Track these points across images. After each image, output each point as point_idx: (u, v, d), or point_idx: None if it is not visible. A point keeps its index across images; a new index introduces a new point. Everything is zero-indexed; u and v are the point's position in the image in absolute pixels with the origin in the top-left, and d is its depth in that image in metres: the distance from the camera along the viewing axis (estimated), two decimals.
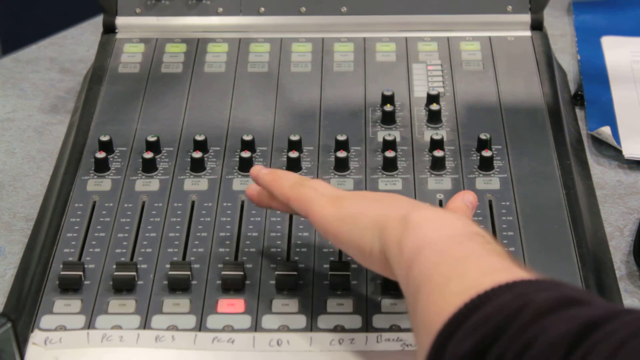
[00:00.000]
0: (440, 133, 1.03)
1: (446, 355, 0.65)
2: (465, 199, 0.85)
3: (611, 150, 1.08)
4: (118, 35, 1.19)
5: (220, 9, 1.19)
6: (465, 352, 0.64)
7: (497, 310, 0.65)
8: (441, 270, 0.70)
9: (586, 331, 0.61)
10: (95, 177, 1.00)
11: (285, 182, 0.85)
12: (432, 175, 0.99)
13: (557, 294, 0.65)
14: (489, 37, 1.17)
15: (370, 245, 0.78)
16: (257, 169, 0.88)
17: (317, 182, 0.85)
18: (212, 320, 0.85)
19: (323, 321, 0.85)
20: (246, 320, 0.85)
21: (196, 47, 1.17)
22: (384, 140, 1.01)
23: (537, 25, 1.18)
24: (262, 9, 1.18)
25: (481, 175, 0.99)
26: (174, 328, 0.85)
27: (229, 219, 0.95)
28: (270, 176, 0.87)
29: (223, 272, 0.88)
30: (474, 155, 1.01)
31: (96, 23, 1.29)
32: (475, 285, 0.67)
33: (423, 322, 0.69)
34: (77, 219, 0.95)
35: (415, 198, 0.96)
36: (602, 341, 0.60)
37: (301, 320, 0.85)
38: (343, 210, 0.80)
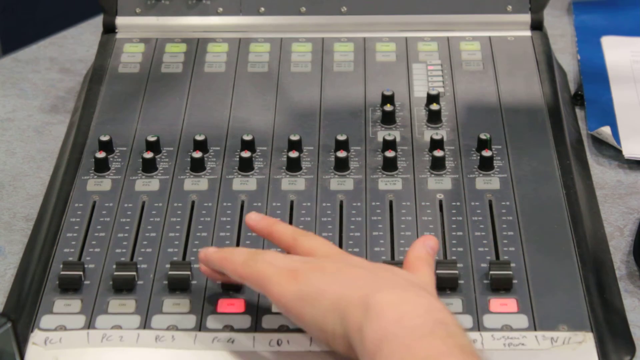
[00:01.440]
0: (440, 133, 1.03)
1: None
2: (427, 244, 0.83)
3: (611, 150, 1.08)
4: (118, 35, 1.19)
5: (220, 9, 1.19)
6: None
7: None
8: None
9: None
10: (95, 177, 1.00)
11: (236, 259, 0.82)
12: (432, 175, 0.99)
13: None
14: (489, 37, 1.17)
15: (332, 329, 0.76)
16: (204, 251, 0.85)
17: (269, 254, 0.81)
18: (212, 320, 0.85)
19: None
20: (246, 320, 0.85)
21: (196, 47, 1.17)
22: (384, 140, 1.01)
23: (537, 25, 1.18)
24: (262, 9, 1.18)
25: (481, 175, 0.99)
26: (174, 328, 0.85)
27: (228, 219, 0.95)
28: (219, 255, 0.84)
29: None
30: (474, 155, 1.01)
31: (96, 23, 1.29)
32: None
33: None
34: (77, 219, 0.95)
35: (415, 198, 0.96)
36: None
37: None
38: (302, 288, 0.78)
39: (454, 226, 0.93)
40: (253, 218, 0.87)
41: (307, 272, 0.78)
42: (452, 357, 0.70)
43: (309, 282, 0.78)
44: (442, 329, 0.72)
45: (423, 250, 0.83)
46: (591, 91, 1.16)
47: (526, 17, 1.18)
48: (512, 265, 0.89)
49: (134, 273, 0.88)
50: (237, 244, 0.92)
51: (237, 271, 0.82)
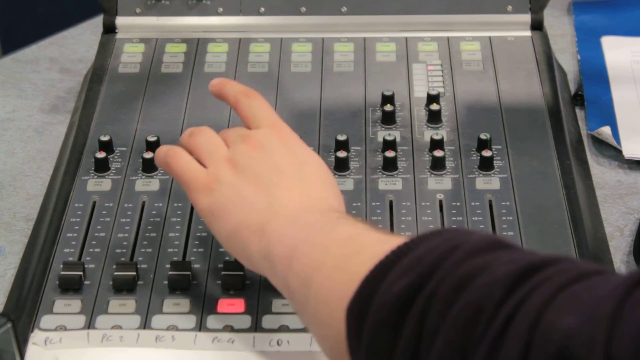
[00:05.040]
0: (440, 133, 1.03)
1: (372, 306, 0.64)
2: None
3: (611, 150, 1.08)
4: (118, 35, 1.19)
5: (220, 9, 1.19)
6: (398, 293, 0.63)
7: (428, 251, 0.65)
8: (333, 253, 0.71)
9: (526, 274, 0.61)
10: (95, 177, 1.00)
11: (158, 153, 0.87)
12: (432, 175, 0.99)
13: (487, 237, 0.65)
14: (489, 37, 1.17)
15: (239, 248, 0.80)
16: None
17: (183, 155, 0.85)
18: (212, 320, 0.85)
19: None
20: (246, 320, 0.85)
21: (196, 47, 1.17)
22: (384, 140, 1.01)
23: (537, 25, 1.18)
24: (262, 9, 1.18)
25: (481, 175, 0.99)
26: (174, 328, 0.85)
27: None
28: (159, 156, 0.88)
29: (223, 272, 0.88)
30: (474, 155, 1.01)
31: (96, 23, 1.29)
32: (379, 253, 0.67)
33: (325, 301, 0.69)
34: (77, 219, 0.95)
35: (415, 198, 0.96)
36: (542, 284, 0.60)
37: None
38: (211, 201, 0.81)
39: (454, 226, 0.93)
40: (212, 84, 0.90)
41: (220, 185, 0.81)
42: (372, 232, 0.72)
43: (219, 196, 0.80)
44: (342, 218, 0.75)
45: None
46: (591, 91, 1.16)
47: (526, 17, 1.18)
48: None
49: (134, 273, 0.88)
50: None
51: (163, 163, 0.86)
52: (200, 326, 0.85)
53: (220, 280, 0.88)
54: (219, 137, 0.85)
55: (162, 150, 0.87)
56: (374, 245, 0.69)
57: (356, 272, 0.67)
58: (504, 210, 0.95)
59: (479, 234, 0.66)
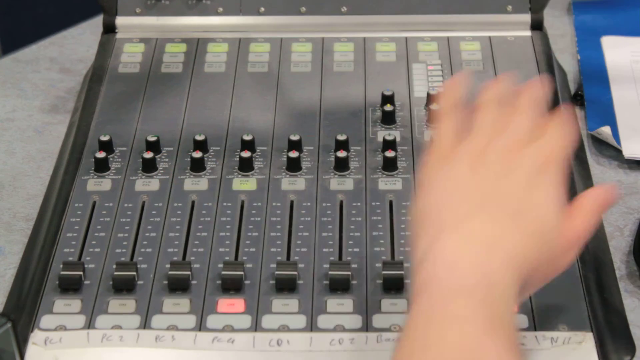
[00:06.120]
0: None
1: None
2: (599, 194, 0.78)
3: (611, 150, 1.08)
4: (118, 35, 1.19)
5: (220, 9, 1.19)
6: None
7: None
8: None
9: None
10: (95, 177, 1.00)
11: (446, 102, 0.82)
12: None
13: None
14: (489, 37, 1.17)
15: (415, 242, 0.76)
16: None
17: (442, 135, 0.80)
18: (212, 320, 0.85)
19: (323, 321, 0.85)
20: (246, 320, 0.85)
21: (196, 47, 1.17)
22: (384, 140, 1.01)
23: (537, 25, 1.18)
24: (262, 9, 1.18)
25: None
26: (174, 328, 0.85)
27: (228, 219, 0.95)
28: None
29: (223, 272, 0.88)
30: None
31: (96, 23, 1.29)
32: None
33: None
34: (77, 219, 0.95)
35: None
36: None
37: (301, 320, 0.85)
38: (430, 175, 0.77)
39: None
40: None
41: (451, 166, 0.77)
42: (476, 326, 0.69)
43: (441, 174, 0.77)
44: (483, 293, 0.70)
45: (591, 201, 0.78)
46: (591, 91, 1.16)
47: (526, 17, 1.18)
48: None
49: (134, 273, 0.88)
50: (237, 244, 0.92)
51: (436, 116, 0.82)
52: (200, 326, 0.85)
53: (220, 280, 0.88)
54: (497, 128, 0.79)
55: (447, 104, 0.82)
56: None
57: None
58: None
59: None
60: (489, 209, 0.75)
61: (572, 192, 0.96)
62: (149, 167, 1.00)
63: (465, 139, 0.79)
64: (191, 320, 0.85)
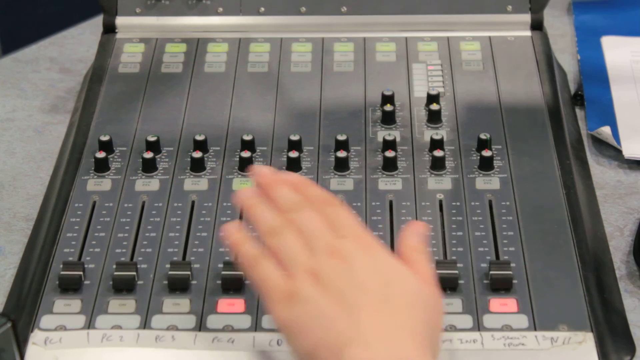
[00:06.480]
0: (440, 133, 1.03)
1: None
2: (417, 232, 0.81)
3: (611, 150, 1.08)
4: (118, 35, 1.19)
5: (220, 9, 1.19)
6: None
7: None
8: None
9: None
10: (95, 177, 1.00)
11: (246, 253, 0.80)
12: (432, 175, 0.99)
13: None
14: (489, 37, 1.17)
15: None
16: (227, 230, 0.82)
17: (268, 265, 0.78)
18: (212, 320, 0.85)
19: None
20: (246, 320, 0.85)
21: (196, 47, 1.17)
22: (384, 140, 1.01)
23: (537, 25, 1.18)
24: (262, 9, 1.18)
25: (481, 175, 0.99)
26: (174, 328, 0.85)
27: (228, 219, 0.95)
28: (232, 240, 0.81)
29: (223, 272, 0.88)
30: (474, 155, 1.01)
31: (96, 23, 1.29)
32: None
33: None
34: (77, 219, 0.95)
35: (415, 198, 0.96)
36: None
37: None
38: (291, 317, 0.75)
39: (454, 226, 0.93)
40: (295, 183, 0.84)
41: (299, 299, 0.76)
42: None
43: (298, 312, 0.75)
44: None
45: (415, 239, 0.81)
46: (591, 91, 1.16)
47: (526, 17, 1.18)
48: (512, 265, 0.89)
49: (134, 273, 0.88)
50: None
51: (242, 264, 0.80)
52: (200, 326, 0.85)
53: (220, 280, 0.88)
54: (302, 241, 0.79)
55: (247, 253, 0.80)
56: None
57: None
58: (504, 210, 0.95)
59: None
60: (362, 303, 0.75)
61: (573, 192, 0.97)
62: (149, 167, 1.00)
63: (285, 270, 0.78)
64: (191, 320, 0.86)
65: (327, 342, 0.73)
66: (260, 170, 0.83)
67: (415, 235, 0.81)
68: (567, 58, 1.23)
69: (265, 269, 0.78)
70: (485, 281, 0.88)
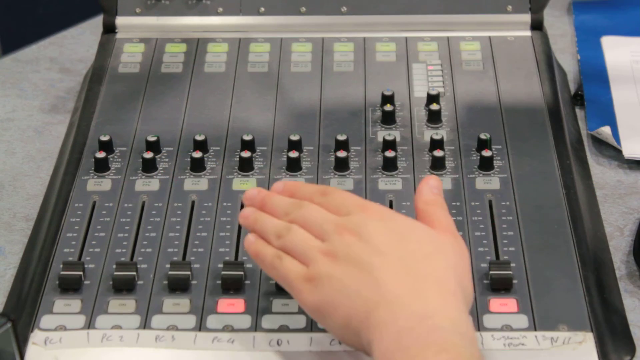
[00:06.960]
0: (440, 133, 1.03)
1: None
2: (431, 186, 0.84)
3: (611, 150, 1.08)
4: (118, 35, 1.19)
5: (220, 9, 1.19)
6: None
7: None
8: None
9: None
10: (95, 177, 1.00)
11: (266, 254, 0.82)
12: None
13: None
14: (489, 37, 1.17)
15: (352, 341, 0.78)
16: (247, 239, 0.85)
17: (289, 260, 0.81)
18: (212, 320, 0.85)
19: None
20: (246, 320, 0.85)
21: (196, 47, 1.17)
22: (384, 140, 1.01)
23: (537, 25, 1.18)
24: (262, 9, 1.18)
25: (481, 175, 0.99)
26: (174, 328, 0.85)
27: (229, 219, 0.95)
28: (252, 248, 0.83)
29: (223, 272, 0.88)
30: (474, 155, 1.01)
31: (96, 23, 1.29)
32: None
33: None
34: (77, 219, 0.95)
35: None
36: None
37: (301, 320, 0.85)
38: (319, 298, 0.78)
39: None
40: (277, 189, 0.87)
41: (322, 280, 0.78)
42: None
43: (324, 292, 0.78)
44: (436, 339, 0.73)
45: (429, 193, 0.83)
46: (591, 91, 1.16)
47: (526, 17, 1.18)
48: (512, 265, 0.89)
49: (134, 273, 0.88)
50: (237, 245, 0.92)
51: (265, 269, 0.83)
52: (200, 326, 0.85)
53: (220, 280, 0.88)
54: (309, 233, 0.81)
55: (265, 255, 0.82)
56: None
57: None
58: (504, 210, 0.95)
59: None
60: (382, 265, 0.77)
61: (573, 192, 0.97)
62: (149, 167, 1.00)
63: (304, 263, 0.80)
64: (191, 320, 0.86)
65: (357, 311, 0.76)
66: (249, 193, 0.86)
67: (429, 189, 0.83)
68: (567, 58, 1.23)
69: (285, 264, 0.81)
70: (485, 281, 0.88)
